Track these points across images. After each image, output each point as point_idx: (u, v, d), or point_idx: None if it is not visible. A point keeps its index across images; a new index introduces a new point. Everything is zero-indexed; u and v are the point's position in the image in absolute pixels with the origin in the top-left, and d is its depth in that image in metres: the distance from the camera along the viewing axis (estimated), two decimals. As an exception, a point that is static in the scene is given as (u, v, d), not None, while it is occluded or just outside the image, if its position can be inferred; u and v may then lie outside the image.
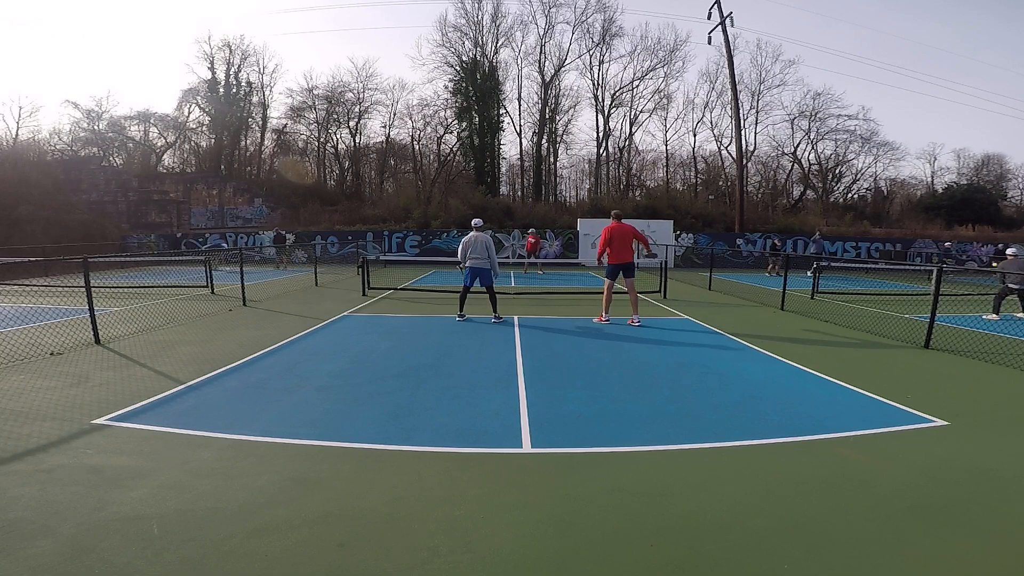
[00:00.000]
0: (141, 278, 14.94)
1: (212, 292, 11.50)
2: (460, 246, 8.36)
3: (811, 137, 35.31)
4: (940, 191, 36.92)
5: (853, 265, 15.71)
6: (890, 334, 7.52)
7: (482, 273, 8.19)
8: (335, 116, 34.60)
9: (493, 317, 8.21)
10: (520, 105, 34.36)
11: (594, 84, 34.37)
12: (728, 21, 25.92)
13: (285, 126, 35.43)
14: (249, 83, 33.75)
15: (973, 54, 56.87)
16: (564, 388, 4.82)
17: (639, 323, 8.09)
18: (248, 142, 35.11)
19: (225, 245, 23.44)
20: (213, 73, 32.97)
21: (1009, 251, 9.71)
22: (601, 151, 34.91)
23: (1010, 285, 9.12)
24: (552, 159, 35.27)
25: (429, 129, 34.60)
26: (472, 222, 8.60)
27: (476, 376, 5.18)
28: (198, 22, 63.52)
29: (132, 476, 3.00)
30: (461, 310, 8.30)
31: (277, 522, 2.55)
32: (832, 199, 36.49)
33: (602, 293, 8.56)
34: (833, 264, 16.80)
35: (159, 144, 34.50)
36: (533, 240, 18.59)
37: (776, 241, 20.67)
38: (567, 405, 4.35)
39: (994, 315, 9.18)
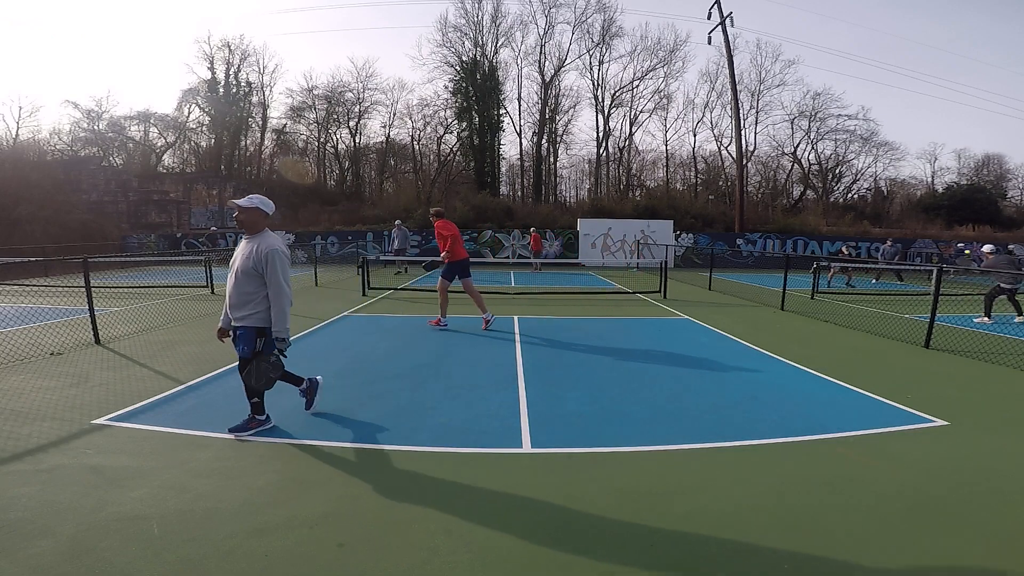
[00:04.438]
0: (141, 278, 14.94)
1: (212, 292, 11.49)
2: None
3: (811, 137, 35.40)
4: (940, 191, 36.94)
5: (853, 265, 15.67)
6: (890, 334, 7.52)
7: (242, 337, 3.59)
8: (335, 116, 34.66)
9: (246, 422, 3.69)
10: (520, 105, 34.46)
11: (594, 84, 34.47)
12: (728, 21, 25.94)
13: (285, 126, 35.51)
14: (249, 83, 33.83)
15: (972, 54, 56.95)
16: (564, 388, 4.81)
17: (492, 320, 7.62)
18: (248, 142, 35.19)
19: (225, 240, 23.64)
20: (213, 73, 33.04)
21: (985, 248, 9.09)
22: (601, 151, 34.96)
23: (1002, 285, 8.59)
24: (552, 159, 35.32)
25: (429, 129, 34.72)
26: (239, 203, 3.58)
27: (476, 376, 5.18)
28: (198, 22, 63.54)
29: (132, 476, 3.00)
30: (259, 413, 3.75)
31: (277, 522, 2.55)
32: (832, 199, 36.53)
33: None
34: (833, 264, 16.74)
35: (159, 144, 34.55)
36: (534, 239, 19.46)
37: (844, 248, 19.52)
38: (567, 405, 4.35)
39: (986, 318, 8.64)
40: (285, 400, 4.38)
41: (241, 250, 3.61)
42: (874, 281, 15.87)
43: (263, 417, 3.78)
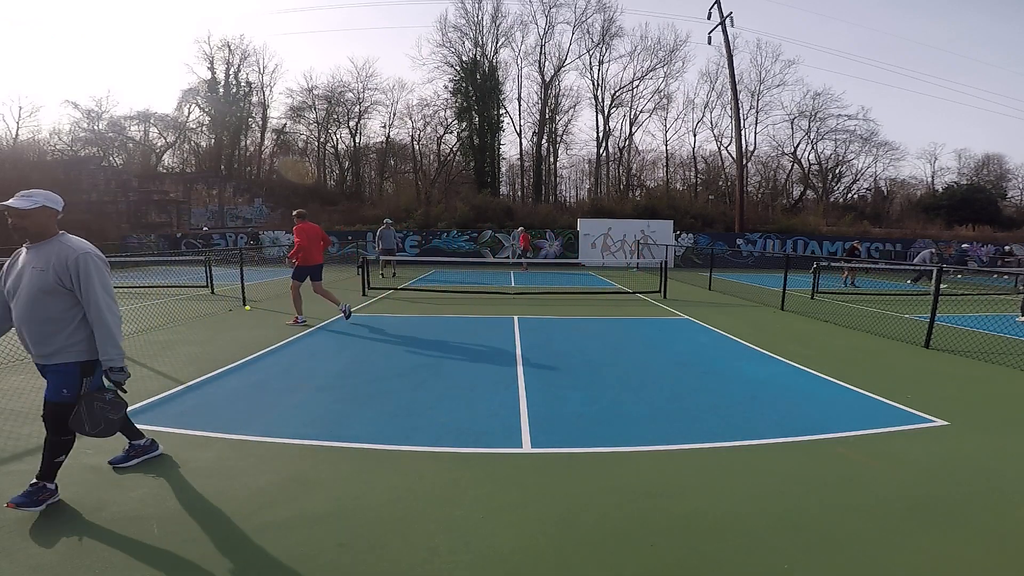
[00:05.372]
0: (141, 278, 14.93)
1: (212, 292, 11.49)
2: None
3: (811, 137, 35.39)
4: (940, 191, 36.96)
5: (853, 265, 15.69)
6: (890, 334, 7.52)
7: (60, 377, 2.71)
8: (335, 116, 34.63)
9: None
10: (520, 105, 34.43)
11: (594, 84, 34.44)
12: (728, 21, 25.92)
13: (285, 126, 35.47)
14: (249, 83, 33.76)
15: (972, 54, 56.99)
16: (564, 388, 4.81)
17: (349, 315, 7.97)
18: (248, 142, 35.13)
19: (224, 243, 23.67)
20: (213, 73, 32.99)
21: None
22: (601, 151, 34.94)
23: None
24: (552, 159, 35.30)
25: (429, 129, 34.69)
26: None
27: (476, 376, 5.18)
28: (198, 22, 63.41)
29: (132, 476, 3.01)
30: (49, 479, 2.75)
31: (277, 522, 2.55)
32: (832, 199, 36.52)
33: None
34: (832, 264, 16.76)
35: (159, 144, 34.49)
36: (523, 238, 19.98)
37: (856, 244, 19.15)
38: (567, 405, 4.35)
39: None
40: (285, 400, 4.38)
41: (27, 262, 2.61)
42: (909, 283, 15.68)
43: (52, 487, 2.70)
